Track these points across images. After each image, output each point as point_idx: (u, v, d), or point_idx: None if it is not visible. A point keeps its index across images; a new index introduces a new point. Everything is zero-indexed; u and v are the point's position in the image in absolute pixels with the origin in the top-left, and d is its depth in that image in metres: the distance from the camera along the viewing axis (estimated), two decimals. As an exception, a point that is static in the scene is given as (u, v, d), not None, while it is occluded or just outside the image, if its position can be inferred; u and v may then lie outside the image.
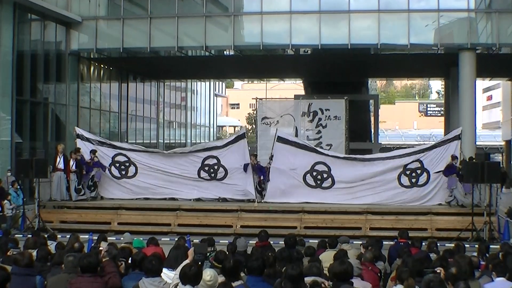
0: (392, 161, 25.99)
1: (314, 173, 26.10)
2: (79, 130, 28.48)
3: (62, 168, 26.37)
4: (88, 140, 27.68)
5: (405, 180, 25.44)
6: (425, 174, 25.18)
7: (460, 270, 9.39)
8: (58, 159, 26.48)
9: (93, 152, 27.16)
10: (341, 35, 33.12)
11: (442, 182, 25.28)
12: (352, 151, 34.00)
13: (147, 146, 47.55)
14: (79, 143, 27.57)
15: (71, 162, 26.70)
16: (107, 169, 27.32)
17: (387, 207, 25.03)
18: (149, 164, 27.38)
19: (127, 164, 27.28)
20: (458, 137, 25.55)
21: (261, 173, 26.92)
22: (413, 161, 25.46)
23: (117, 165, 27.35)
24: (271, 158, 26.75)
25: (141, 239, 15.98)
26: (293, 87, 78.59)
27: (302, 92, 51.60)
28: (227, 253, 12.65)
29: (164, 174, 27.24)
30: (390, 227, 22.91)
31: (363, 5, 33.66)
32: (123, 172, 27.34)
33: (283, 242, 14.31)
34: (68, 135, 34.84)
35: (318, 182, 26.05)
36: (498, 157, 67.65)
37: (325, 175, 25.99)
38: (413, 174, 25.27)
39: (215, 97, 68.39)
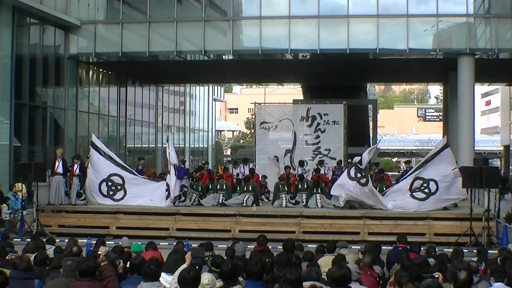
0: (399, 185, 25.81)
1: None
2: (95, 139, 28.21)
3: (61, 172, 26.31)
4: (98, 150, 27.49)
5: (419, 194, 25.17)
6: (432, 183, 24.98)
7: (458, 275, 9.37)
8: (57, 163, 26.39)
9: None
10: (340, 39, 33.16)
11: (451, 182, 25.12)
12: (351, 156, 34.01)
13: (145, 150, 47.83)
14: (92, 150, 27.50)
15: (75, 166, 26.74)
16: (97, 183, 27.25)
17: (386, 213, 25.02)
18: (135, 192, 27.33)
19: (119, 187, 27.08)
20: (446, 146, 25.50)
21: (181, 175, 27.13)
22: (414, 180, 25.28)
23: (110, 184, 27.06)
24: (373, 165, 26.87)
25: (140, 243, 15.99)
26: (292, 91, 78.63)
27: (301, 97, 51.70)
28: (226, 257, 12.65)
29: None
30: (389, 232, 22.87)
31: (362, 10, 33.70)
32: (111, 193, 27.04)
33: (281, 247, 14.31)
34: (67, 139, 34.90)
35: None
36: (496, 162, 67.65)
37: None
38: (422, 188, 25.08)
39: (213, 102, 68.37)
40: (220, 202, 26.92)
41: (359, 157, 25.57)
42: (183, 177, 27.32)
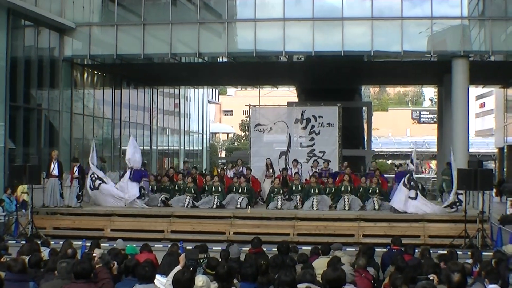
0: None
1: None
2: (92, 158, 28.37)
3: (57, 174, 26.36)
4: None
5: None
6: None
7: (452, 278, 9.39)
8: (52, 165, 26.42)
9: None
10: (335, 42, 33.13)
11: None
12: (345, 158, 34.05)
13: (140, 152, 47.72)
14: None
15: (74, 169, 26.87)
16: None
17: (380, 215, 25.07)
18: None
19: (99, 179, 27.53)
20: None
21: (138, 178, 27.63)
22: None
23: (93, 178, 27.44)
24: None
25: (134, 245, 16.00)
26: (287, 94, 78.54)
27: (296, 99, 51.66)
28: (220, 259, 12.66)
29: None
30: (383, 234, 22.94)
31: (357, 12, 33.66)
32: (95, 184, 27.42)
33: (276, 249, 14.32)
34: (62, 141, 34.85)
35: None
36: (491, 164, 67.73)
37: None
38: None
39: (208, 104, 68.32)
40: (217, 204, 27.04)
41: (412, 165, 25.89)
42: (141, 179, 27.64)
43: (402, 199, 25.17)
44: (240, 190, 27.34)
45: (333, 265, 10.65)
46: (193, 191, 27.73)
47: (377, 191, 26.88)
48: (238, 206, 26.77)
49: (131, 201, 27.12)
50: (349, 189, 27.21)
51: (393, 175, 32.94)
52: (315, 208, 26.30)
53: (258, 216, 25.50)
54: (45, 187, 26.52)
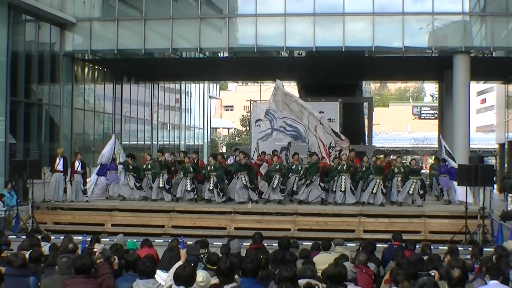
0: None
1: None
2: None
3: (61, 169, 26.51)
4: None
5: None
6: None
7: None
8: (57, 160, 26.66)
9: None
10: (336, 37, 33.10)
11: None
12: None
13: (140, 148, 47.80)
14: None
15: (76, 163, 26.95)
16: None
17: (381, 210, 25.06)
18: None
19: None
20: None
21: (103, 172, 28.71)
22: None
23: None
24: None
25: (135, 240, 16.00)
26: (288, 89, 78.35)
27: (297, 95, 51.57)
28: (221, 255, 12.66)
29: None
30: (384, 230, 22.94)
31: (358, 7, 33.63)
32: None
33: (277, 244, 14.32)
34: (62, 136, 34.83)
35: None
36: (491, 160, 67.63)
37: None
38: None
39: (209, 99, 68.25)
40: (213, 184, 26.80)
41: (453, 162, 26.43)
42: (105, 172, 28.54)
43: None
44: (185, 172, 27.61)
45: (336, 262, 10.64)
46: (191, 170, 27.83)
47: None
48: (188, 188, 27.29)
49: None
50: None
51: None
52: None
53: (259, 212, 25.50)
54: (50, 182, 26.65)
